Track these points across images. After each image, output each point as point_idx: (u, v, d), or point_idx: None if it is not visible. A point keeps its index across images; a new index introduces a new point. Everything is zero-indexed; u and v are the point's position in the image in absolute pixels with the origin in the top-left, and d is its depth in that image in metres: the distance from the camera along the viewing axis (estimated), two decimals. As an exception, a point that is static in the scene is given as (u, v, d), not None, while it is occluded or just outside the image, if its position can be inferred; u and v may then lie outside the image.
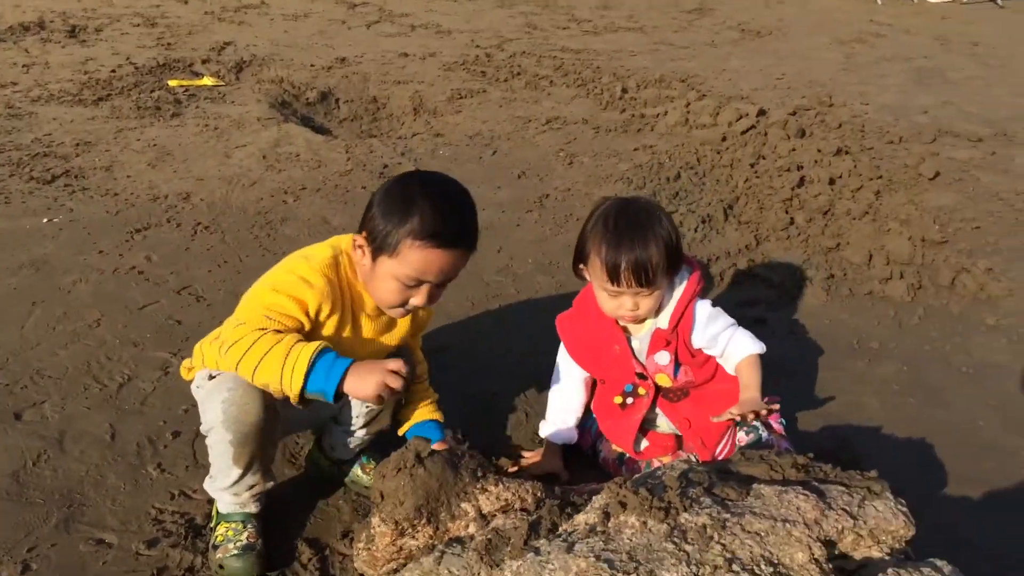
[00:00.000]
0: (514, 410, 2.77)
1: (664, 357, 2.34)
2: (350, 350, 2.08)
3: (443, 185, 2.03)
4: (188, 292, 3.35)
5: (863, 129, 5.76)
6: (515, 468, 2.47)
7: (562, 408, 2.52)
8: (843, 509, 1.68)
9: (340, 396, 1.84)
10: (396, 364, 1.85)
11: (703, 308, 2.34)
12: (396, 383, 1.82)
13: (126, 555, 2.09)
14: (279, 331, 1.89)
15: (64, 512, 2.21)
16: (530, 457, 2.52)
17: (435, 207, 1.91)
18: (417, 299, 2.01)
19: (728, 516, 1.62)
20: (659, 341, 2.33)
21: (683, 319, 2.32)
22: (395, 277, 1.95)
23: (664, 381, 2.38)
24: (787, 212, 4.29)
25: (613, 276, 2.18)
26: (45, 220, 3.90)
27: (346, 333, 2.08)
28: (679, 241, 2.24)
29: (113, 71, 6.35)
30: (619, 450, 2.50)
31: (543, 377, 2.85)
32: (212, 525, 2.16)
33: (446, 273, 2.00)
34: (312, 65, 6.81)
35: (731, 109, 5.67)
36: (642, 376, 2.39)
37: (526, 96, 6.37)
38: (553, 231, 4.10)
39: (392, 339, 2.23)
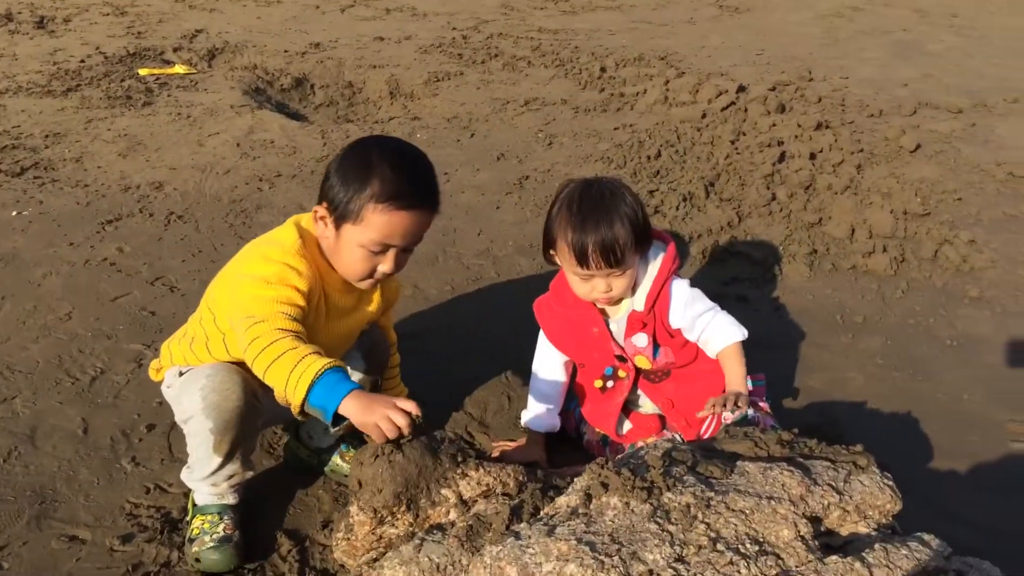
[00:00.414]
0: (495, 394, 2.73)
1: (642, 339, 2.30)
2: (324, 329, 2.03)
3: (400, 147, 2.00)
4: (162, 283, 3.28)
5: (843, 103, 5.74)
6: (496, 454, 2.43)
7: (543, 395, 2.46)
8: (829, 485, 1.65)
9: (339, 420, 1.73)
10: (408, 404, 1.74)
11: (680, 288, 2.29)
12: (402, 420, 1.71)
13: (100, 551, 2.04)
14: (299, 336, 1.81)
15: (36, 509, 2.16)
16: (512, 446, 2.48)
17: (394, 169, 1.88)
18: (385, 266, 1.97)
19: (712, 495, 1.58)
20: (635, 323, 2.29)
21: (659, 300, 2.27)
22: (360, 244, 1.92)
23: (644, 363, 2.34)
24: (768, 188, 4.26)
25: (581, 259, 2.14)
26: (14, 213, 3.82)
27: (319, 313, 2.02)
28: (645, 217, 2.20)
29: (82, 61, 6.24)
30: (603, 432, 2.47)
31: (524, 361, 2.81)
32: (188, 518, 2.11)
33: (412, 235, 1.96)
34: (286, 51, 6.71)
35: (710, 86, 5.63)
36: (622, 359, 2.35)
37: (504, 78, 6.30)
38: (533, 213, 4.05)
39: (363, 316, 2.19)
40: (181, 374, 2.08)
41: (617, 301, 2.29)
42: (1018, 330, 3.16)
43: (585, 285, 2.22)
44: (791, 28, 8.22)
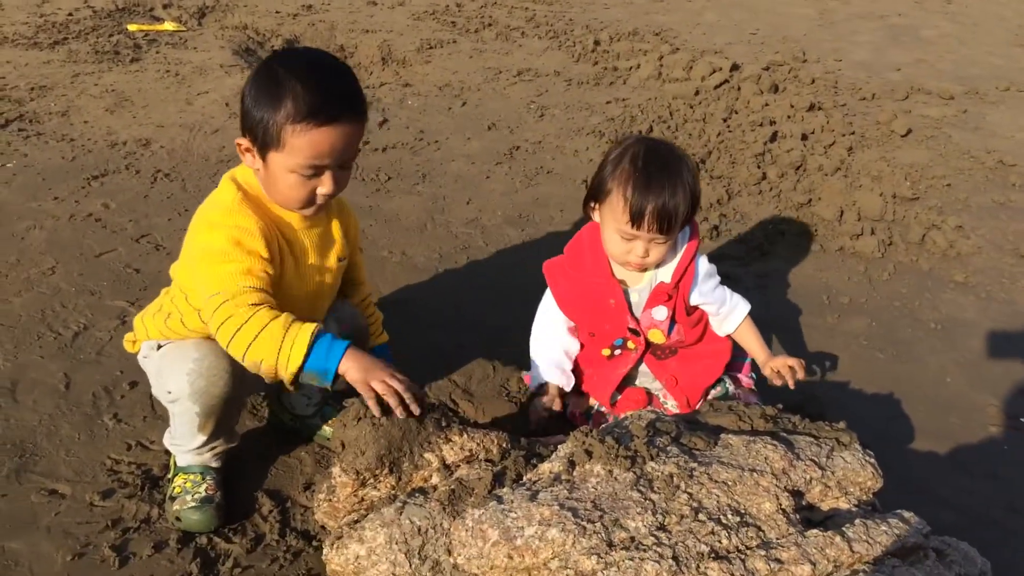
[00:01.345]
0: (480, 363, 2.73)
1: (662, 312, 2.26)
2: (300, 276, 1.98)
3: (309, 57, 1.85)
4: (147, 240, 3.25)
5: (836, 85, 5.73)
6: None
7: (552, 356, 2.38)
8: (811, 460, 1.66)
9: (337, 379, 1.73)
10: (405, 385, 1.73)
11: (702, 263, 2.29)
12: (399, 386, 1.70)
13: (80, 506, 2.03)
14: (273, 307, 1.76)
15: (16, 462, 2.14)
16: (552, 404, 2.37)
17: (305, 82, 1.74)
18: (324, 188, 1.85)
19: (695, 465, 1.59)
20: (660, 295, 2.25)
21: (686, 275, 2.25)
22: (290, 170, 1.80)
23: (657, 337, 2.31)
24: (759, 167, 4.25)
25: (636, 219, 2.07)
26: (-2, 165, 3.77)
27: (287, 260, 1.95)
28: (700, 192, 2.16)
29: (70, 14, 6.13)
30: (588, 404, 2.47)
31: (511, 330, 2.82)
32: (170, 475, 2.10)
33: (342, 151, 1.82)
34: (277, 12, 6.63)
35: (704, 63, 5.60)
36: (634, 332, 2.32)
37: (497, 47, 6.25)
38: (523, 183, 4.03)
39: (334, 253, 2.08)
40: (160, 347, 2.04)
41: (647, 268, 2.24)
42: (1001, 316, 3.19)
43: (623, 245, 2.16)
44: (786, 9, 8.19)
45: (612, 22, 7.11)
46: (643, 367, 2.42)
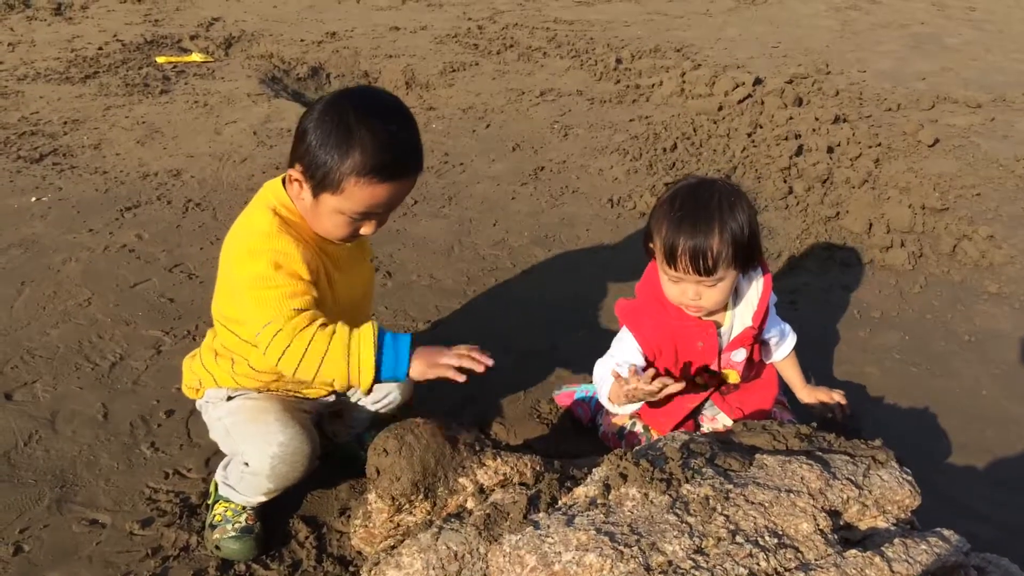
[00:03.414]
0: (510, 384, 2.73)
1: (740, 354, 2.24)
2: (350, 283, 2.02)
3: (381, 107, 1.83)
4: (180, 270, 3.30)
5: (861, 97, 5.70)
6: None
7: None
8: (848, 479, 1.65)
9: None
10: (466, 348, 1.80)
11: (772, 299, 2.27)
12: (465, 350, 1.79)
13: (120, 535, 2.06)
14: (324, 323, 1.77)
15: (57, 492, 2.18)
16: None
17: (376, 136, 1.74)
18: (367, 229, 1.88)
19: (731, 487, 1.59)
20: (746, 339, 2.21)
21: (765, 318, 2.23)
22: (341, 212, 1.81)
23: (734, 378, 2.29)
24: (785, 181, 4.24)
25: (670, 259, 2.04)
26: (34, 199, 3.84)
27: (331, 276, 1.96)
28: (754, 236, 2.07)
29: (100, 48, 6.25)
30: (619, 424, 2.45)
31: (540, 350, 2.83)
32: (210, 501, 2.12)
33: (395, 202, 1.88)
34: (302, 40, 6.71)
35: (727, 78, 5.60)
36: (711, 372, 2.28)
37: (519, 68, 6.29)
38: (549, 204, 4.05)
39: (365, 260, 2.15)
40: (230, 398, 2.06)
41: (706, 312, 2.17)
42: (1036, 326, 3.15)
43: (675, 287, 2.12)
44: (808, 20, 8.17)
45: (633, 40, 7.13)
46: (709, 403, 2.39)
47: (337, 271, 1.98)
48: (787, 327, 2.40)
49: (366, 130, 1.74)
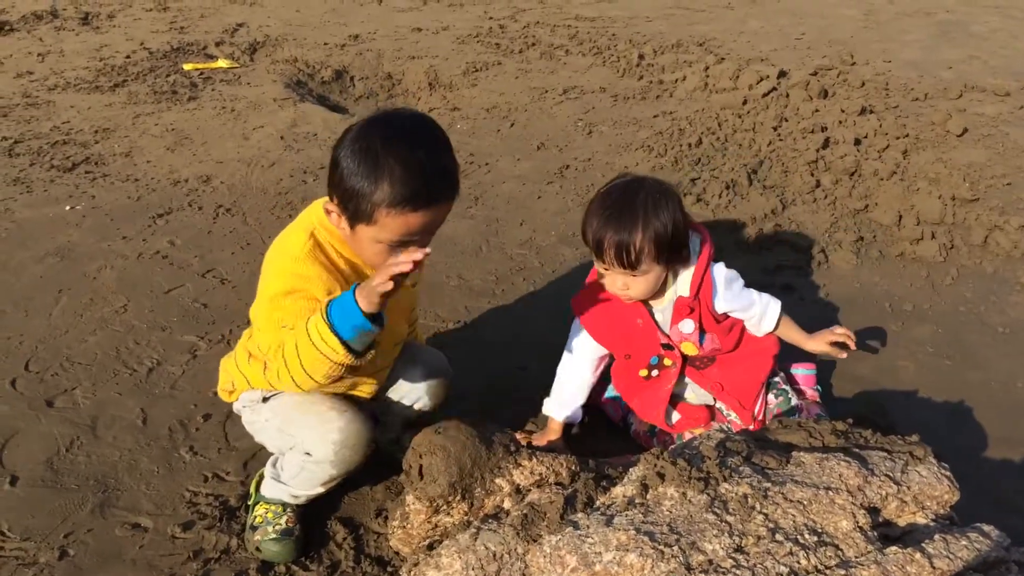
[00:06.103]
0: (540, 384, 2.73)
1: (688, 325, 2.30)
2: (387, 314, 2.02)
3: (408, 133, 1.78)
4: (212, 275, 3.34)
5: (887, 87, 5.65)
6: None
7: (576, 387, 2.43)
8: (886, 475, 1.65)
9: (375, 317, 1.71)
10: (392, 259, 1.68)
11: (719, 271, 2.31)
12: (393, 260, 1.64)
13: (162, 538, 2.10)
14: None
15: (99, 497, 2.22)
16: (535, 439, 2.44)
17: (405, 167, 1.70)
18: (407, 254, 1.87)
19: (769, 485, 1.59)
20: (682, 309, 2.29)
21: (703, 285, 2.28)
22: (378, 241, 1.80)
23: (690, 350, 2.34)
24: (813, 174, 4.22)
25: (598, 252, 2.18)
26: (68, 208, 3.90)
27: None
28: (679, 233, 2.15)
29: (128, 57, 6.33)
30: (652, 423, 2.47)
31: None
32: (250, 502, 2.15)
33: (434, 227, 1.84)
34: (326, 43, 6.76)
35: (751, 72, 5.58)
36: (668, 347, 2.35)
37: (542, 66, 6.30)
38: (575, 202, 4.05)
39: (406, 284, 2.11)
40: (266, 399, 2.09)
41: (635, 300, 2.28)
42: (1072, 317, 3.11)
43: (607, 278, 2.25)
44: (831, 11, 8.11)
45: (655, 35, 7.11)
46: (689, 382, 2.43)
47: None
48: (766, 298, 2.39)
49: (393, 159, 1.71)
